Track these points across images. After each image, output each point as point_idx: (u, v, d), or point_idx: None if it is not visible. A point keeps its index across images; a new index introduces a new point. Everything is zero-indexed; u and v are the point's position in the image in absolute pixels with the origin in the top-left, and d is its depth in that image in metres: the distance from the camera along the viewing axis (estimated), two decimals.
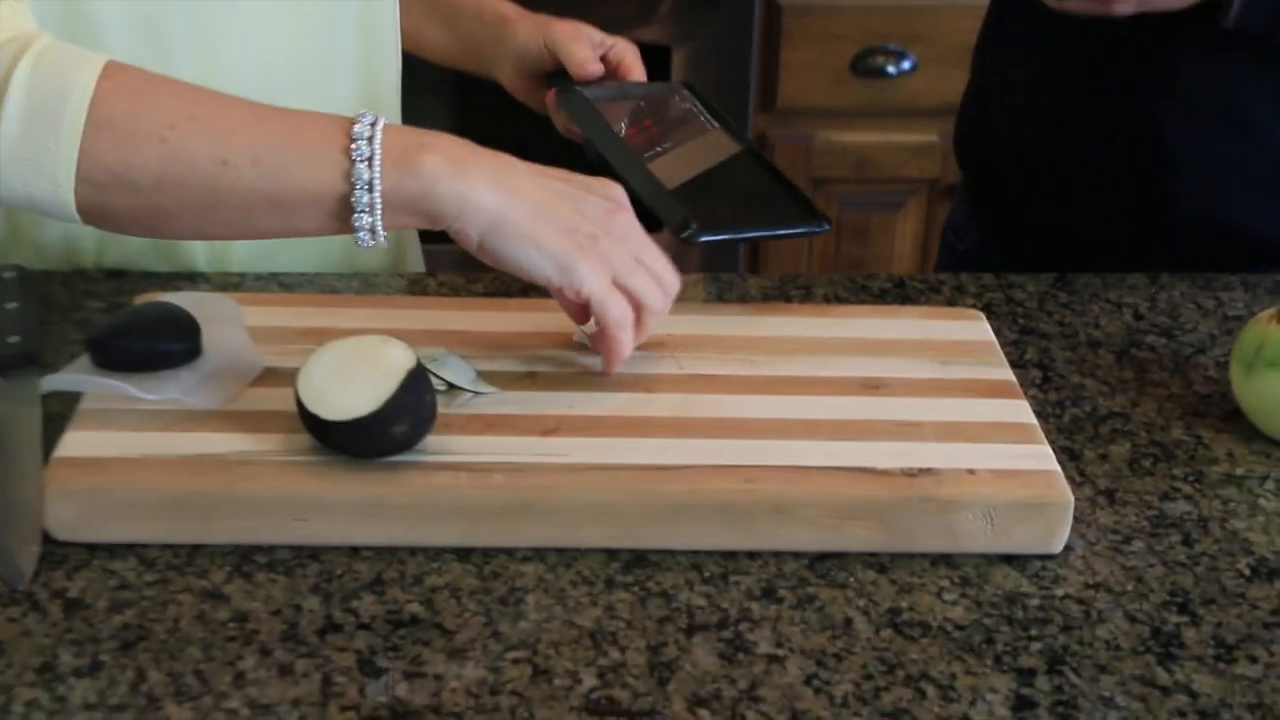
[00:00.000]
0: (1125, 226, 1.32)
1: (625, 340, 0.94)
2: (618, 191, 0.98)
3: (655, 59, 2.16)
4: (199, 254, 1.19)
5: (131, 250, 1.17)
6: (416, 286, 1.18)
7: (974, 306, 1.11)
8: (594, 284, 0.91)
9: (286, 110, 0.99)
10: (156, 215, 0.98)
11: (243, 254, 1.21)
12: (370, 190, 0.91)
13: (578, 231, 0.93)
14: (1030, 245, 1.36)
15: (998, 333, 1.06)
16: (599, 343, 0.96)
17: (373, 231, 0.93)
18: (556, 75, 1.18)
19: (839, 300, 1.14)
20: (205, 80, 0.98)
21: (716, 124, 1.18)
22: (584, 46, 1.19)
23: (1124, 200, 1.32)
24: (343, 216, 0.93)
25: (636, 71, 1.20)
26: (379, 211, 0.92)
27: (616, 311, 0.92)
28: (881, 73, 2.23)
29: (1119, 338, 1.11)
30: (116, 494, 0.84)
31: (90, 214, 0.95)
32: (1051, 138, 1.37)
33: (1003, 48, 1.42)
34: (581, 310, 0.96)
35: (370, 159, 0.91)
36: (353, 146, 0.92)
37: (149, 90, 0.96)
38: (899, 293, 1.17)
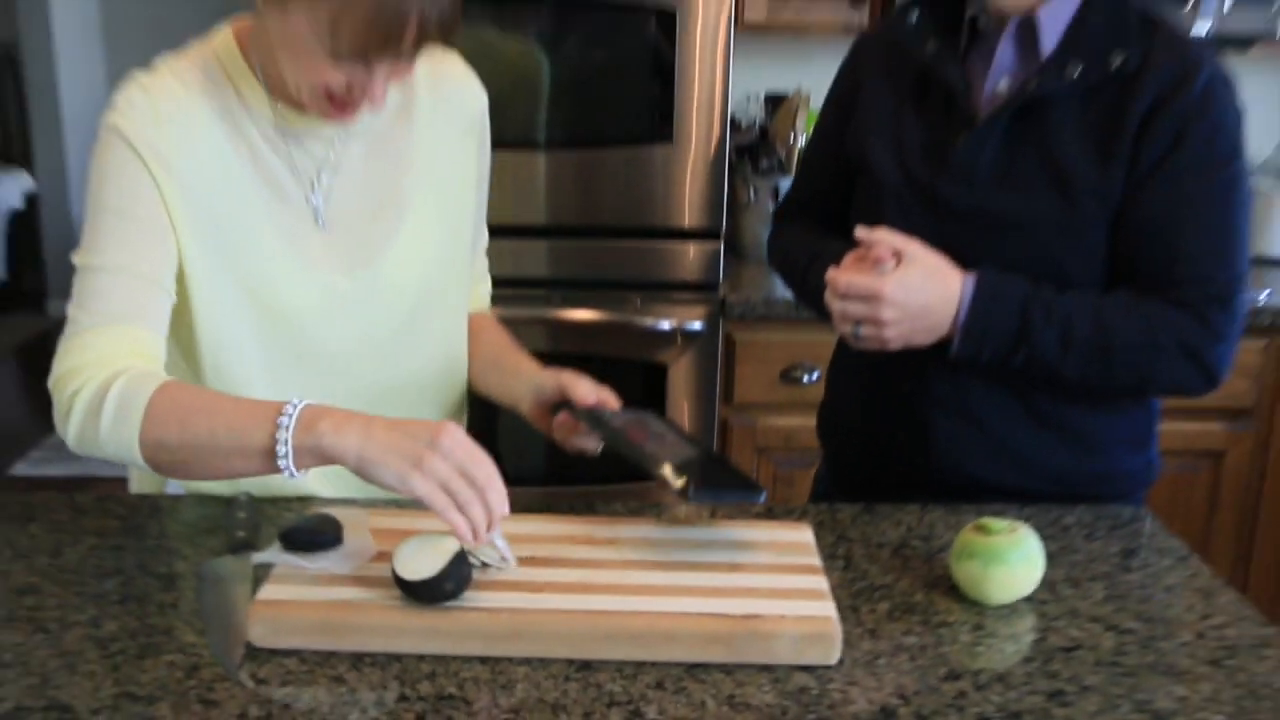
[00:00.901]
0: (910, 477, 1.33)
1: (456, 521, 0.94)
2: (449, 426, 0.97)
3: (657, 374, 2.25)
4: (331, 489, 1.24)
5: (307, 484, 1.22)
6: None
7: (811, 522, 1.16)
8: (421, 489, 0.94)
9: (254, 400, 1.06)
10: (181, 464, 1.06)
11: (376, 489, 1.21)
12: (286, 444, 0.99)
13: (411, 455, 0.95)
14: (857, 488, 1.36)
15: (821, 538, 1.13)
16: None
17: (291, 470, 1.00)
18: (562, 405, 1.21)
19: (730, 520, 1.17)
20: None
21: (675, 433, 1.20)
22: (584, 385, 1.21)
23: (908, 462, 1.33)
24: (272, 461, 1.00)
25: (615, 407, 1.21)
26: (290, 457, 0.99)
27: (439, 503, 0.94)
28: (800, 380, 2.25)
29: (895, 541, 1.16)
30: (288, 621, 0.93)
31: (149, 463, 1.05)
32: (866, 424, 1.38)
33: (838, 367, 1.46)
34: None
35: (289, 427, 0.99)
36: (279, 419, 0.99)
37: (179, 396, 1.05)
38: (769, 516, 1.21)
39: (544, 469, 2.33)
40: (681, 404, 2.30)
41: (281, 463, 1.00)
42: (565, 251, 2.26)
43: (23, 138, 5.32)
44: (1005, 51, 1.22)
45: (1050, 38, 1.20)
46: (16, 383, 4.50)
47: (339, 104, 1.09)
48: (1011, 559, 1.01)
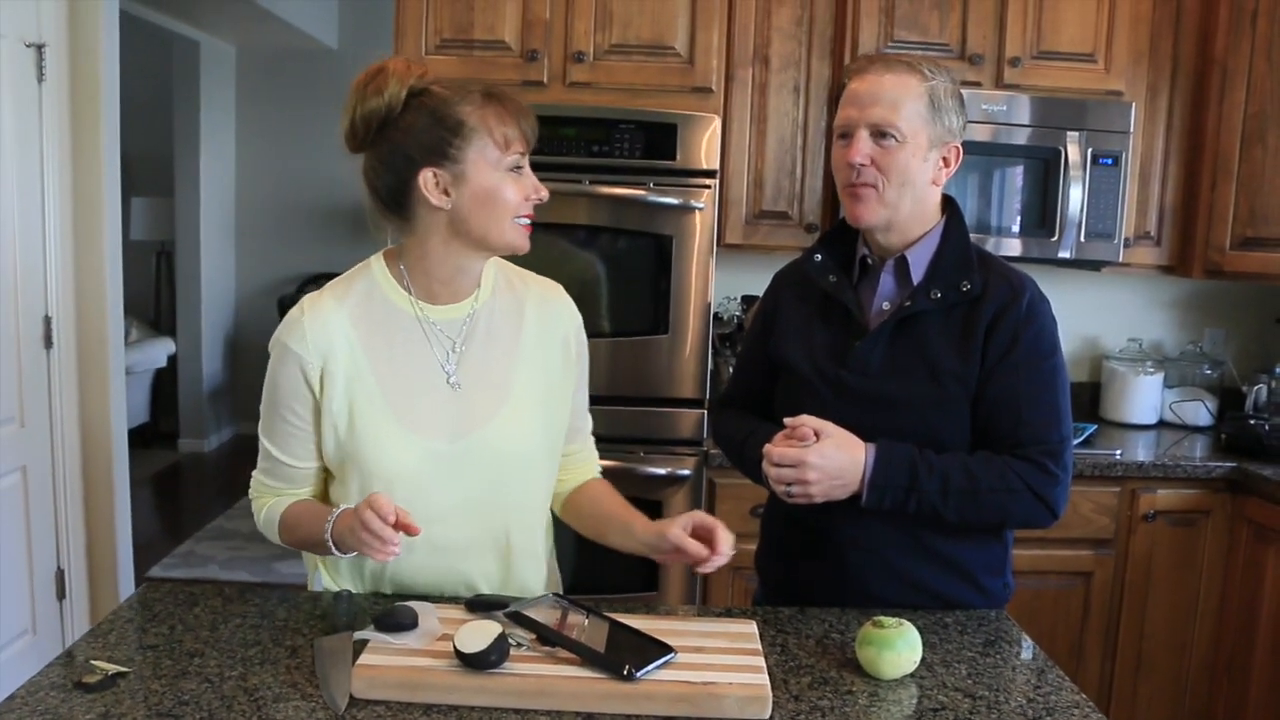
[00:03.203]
0: (826, 598, 1.36)
1: (370, 555, 1.10)
2: (369, 502, 1.09)
3: (655, 509, 2.25)
4: (415, 584, 1.29)
5: (400, 580, 1.28)
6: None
7: (758, 621, 1.23)
8: (355, 549, 1.14)
9: (321, 509, 1.22)
10: (302, 548, 1.27)
11: (438, 585, 1.28)
12: (329, 536, 1.18)
13: (349, 530, 1.13)
14: (787, 602, 1.36)
15: (765, 632, 1.20)
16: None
17: (336, 553, 1.19)
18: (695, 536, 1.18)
19: (698, 617, 1.24)
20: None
21: (579, 610, 1.16)
22: (677, 529, 1.20)
23: (825, 587, 1.37)
24: (330, 548, 1.19)
25: (727, 540, 1.18)
26: (333, 546, 1.18)
27: (364, 552, 1.12)
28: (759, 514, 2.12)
29: (818, 635, 1.23)
30: (379, 680, 1.02)
31: (285, 545, 1.27)
32: (792, 559, 1.39)
33: (768, 516, 1.50)
34: None
35: (329, 529, 1.18)
36: (326, 524, 1.18)
37: (291, 512, 1.26)
38: (727, 615, 1.26)
39: (573, 583, 2.32)
40: None
41: (333, 549, 1.19)
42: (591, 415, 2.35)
43: (170, 313, 5.62)
44: (886, 281, 1.36)
45: (918, 271, 1.34)
46: (151, 505, 4.64)
47: (525, 227, 1.23)
48: (898, 646, 1.11)
